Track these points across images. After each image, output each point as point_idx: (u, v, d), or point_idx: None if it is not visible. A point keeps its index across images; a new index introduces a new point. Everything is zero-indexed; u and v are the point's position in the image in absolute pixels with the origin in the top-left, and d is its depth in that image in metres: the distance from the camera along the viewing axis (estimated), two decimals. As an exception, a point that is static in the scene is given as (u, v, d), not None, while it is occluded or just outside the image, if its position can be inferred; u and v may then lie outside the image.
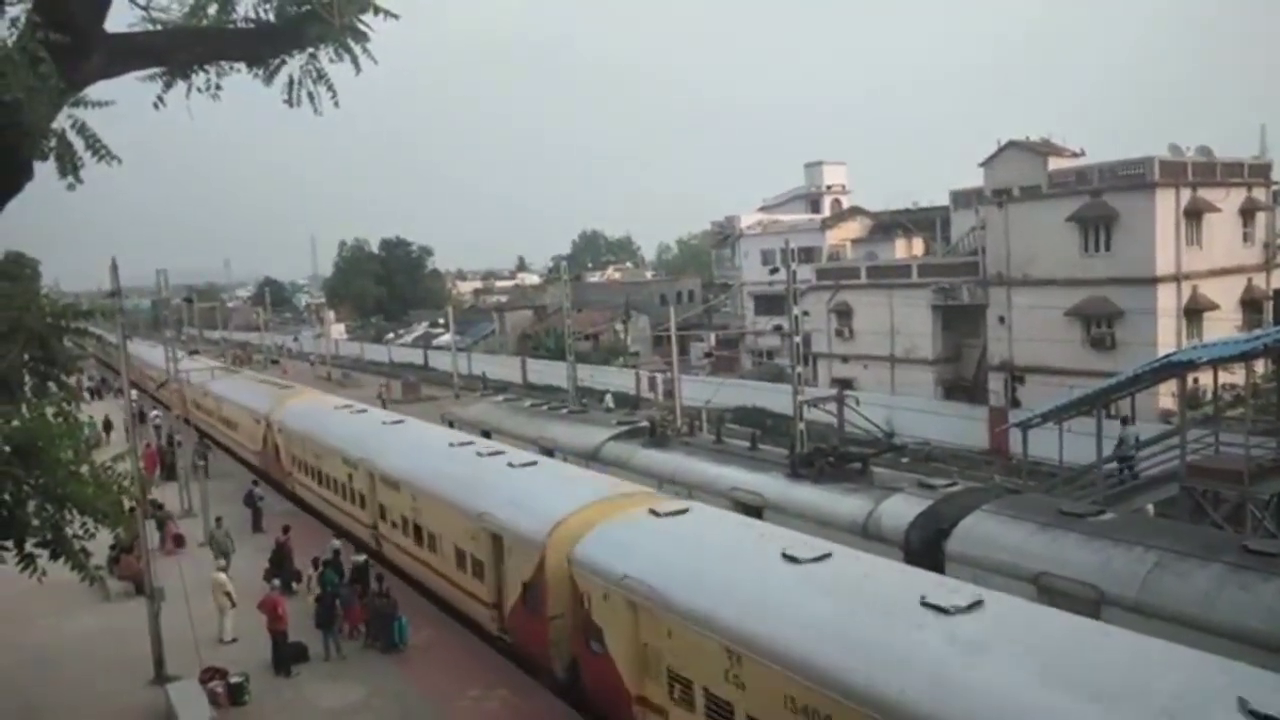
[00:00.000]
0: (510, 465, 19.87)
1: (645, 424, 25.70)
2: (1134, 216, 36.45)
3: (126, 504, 10.85)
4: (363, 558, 21.55)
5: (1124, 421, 25.28)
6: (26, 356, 9.13)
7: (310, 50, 8.98)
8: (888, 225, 59.19)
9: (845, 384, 43.17)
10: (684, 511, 15.15)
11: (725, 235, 69.49)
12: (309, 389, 40.83)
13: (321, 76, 9.14)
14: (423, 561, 20.79)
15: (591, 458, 23.92)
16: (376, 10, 8.76)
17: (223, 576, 19.92)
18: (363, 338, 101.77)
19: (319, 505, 28.54)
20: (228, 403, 41.36)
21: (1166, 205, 36.42)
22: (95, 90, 8.53)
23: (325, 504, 27.75)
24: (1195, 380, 28.00)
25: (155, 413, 45.89)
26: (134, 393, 24.45)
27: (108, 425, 42.05)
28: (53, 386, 9.57)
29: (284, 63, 9.10)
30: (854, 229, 60.07)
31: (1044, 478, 25.55)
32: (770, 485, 18.98)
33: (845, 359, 48.91)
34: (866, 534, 16.12)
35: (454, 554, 19.01)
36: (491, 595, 17.60)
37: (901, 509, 16.25)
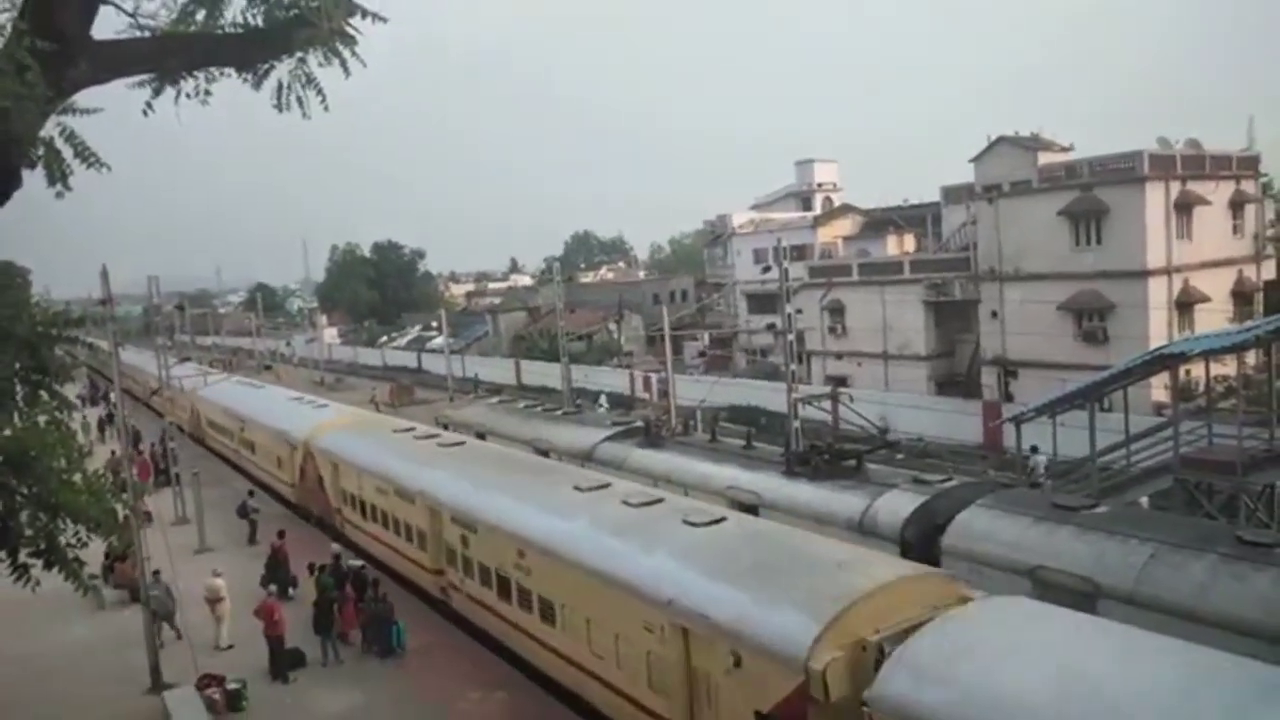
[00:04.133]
0: None
1: (640, 424, 25.71)
2: (1124, 210, 36.52)
3: (120, 512, 10.82)
4: (360, 563, 21.49)
5: (1034, 449, 25.12)
6: (17, 365, 9.06)
7: (299, 55, 8.95)
8: (879, 222, 59.34)
9: (839, 381, 43.22)
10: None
11: (717, 234, 69.49)
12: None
13: (310, 81, 9.10)
14: None
15: (586, 459, 23.92)
16: (365, 14, 8.73)
17: (219, 582, 19.87)
18: (356, 342, 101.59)
19: None
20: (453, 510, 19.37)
21: (1156, 198, 36.50)
22: (84, 97, 8.50)
23: None
24: (1188, 372, 28.09)
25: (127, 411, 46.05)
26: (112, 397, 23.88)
27: (101, 425, 42.95)
28: (44, 395, 9.50)
29: (273, 67, 9.06)
30: (845, 226, 60.18)
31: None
32: (766, 483, 19.00)
33: (839, 356, 48.95)
34: (863, 530, 16.15)
35: None
36: None
37: (897, 505, 16.29)
